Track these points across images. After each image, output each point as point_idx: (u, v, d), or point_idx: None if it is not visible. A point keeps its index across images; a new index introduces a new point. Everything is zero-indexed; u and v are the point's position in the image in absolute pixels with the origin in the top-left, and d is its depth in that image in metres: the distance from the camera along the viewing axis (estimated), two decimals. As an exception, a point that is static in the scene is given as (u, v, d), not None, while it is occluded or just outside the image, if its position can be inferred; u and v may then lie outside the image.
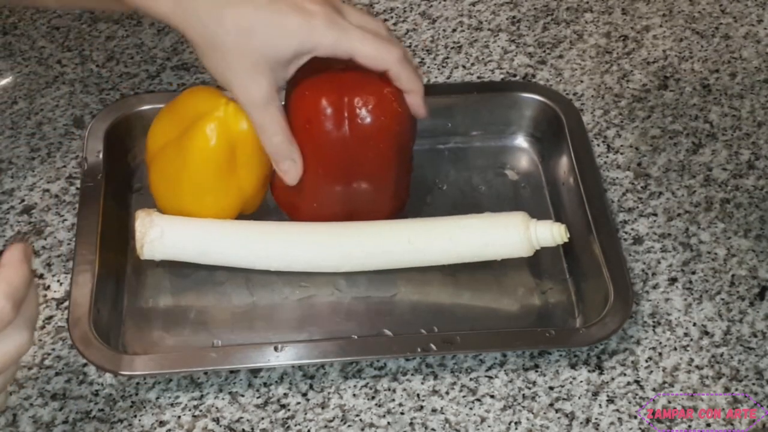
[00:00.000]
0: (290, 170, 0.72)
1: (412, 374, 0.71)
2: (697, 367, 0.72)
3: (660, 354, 0.73)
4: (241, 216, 0.77)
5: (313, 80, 0.72)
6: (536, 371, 0.72)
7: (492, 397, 0.70)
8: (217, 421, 0.69)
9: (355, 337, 0.72)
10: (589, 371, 0.72)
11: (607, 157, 0.86)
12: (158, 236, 0.73)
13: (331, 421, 0.69)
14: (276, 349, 0.69)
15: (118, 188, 0.80)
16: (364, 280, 0.76)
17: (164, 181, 0.75)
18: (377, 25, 0.72)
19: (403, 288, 0.76)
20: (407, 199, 0.78)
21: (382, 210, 0.77)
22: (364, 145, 0.72)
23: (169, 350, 0.72)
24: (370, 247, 0.75)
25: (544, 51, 0.94)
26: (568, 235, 0.74)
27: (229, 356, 0.69)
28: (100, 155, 0.79)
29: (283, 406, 0.70)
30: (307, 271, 0.76)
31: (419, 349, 0.70)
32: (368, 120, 0.71)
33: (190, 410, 0.69)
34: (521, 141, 0.86)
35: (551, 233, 0.74)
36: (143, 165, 0.79)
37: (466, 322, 0.75)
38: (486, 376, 0.71)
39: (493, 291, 0.77)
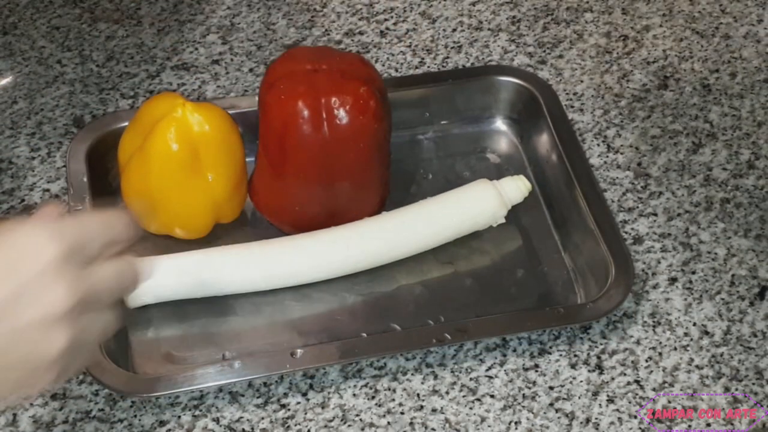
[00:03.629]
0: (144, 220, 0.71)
1: (412, 374, 0.71)
2: (697, 367, 0.72)
3: (660, 354, 0.73)
4: (220, 225, 0.77)
5: (288, 83, 0.72)
6: (536, 371, 0.72)
7: (492, 396, 0.70)
8: (217, 421, 0.69)
9: (365, 335, 0.72)
10: (589, 371, 0.72)
11: (607, 157, 0.86)
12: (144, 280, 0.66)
13: (331, 421, 0.69)
14: (293, 354, 0.69)
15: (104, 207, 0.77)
16: (364, 279, 0.76)
17: (134, 191, 0.74)
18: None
19: (404, 281, 0.76)
20: (387, 195, 0.78)
21: (364, 208, 0.77)
22: (343, 146, 0.72)
23: (181, 364, 0.71)
24: (357, 244, 0.74)
25: (544, 51, 0.94)
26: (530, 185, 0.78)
27: (245, 368, 0.68)
28: (85, 178, 0.77)
29: (283, 406, 0.70)
30: (306, 282, 0.75)
31: (434, 340, 0.69)
32: (346, 120, 0.71)
33: (190, 410, 0.69)
34: (499, 124, 0.87)
35: (517, 186, 0.77)
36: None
37: (471, 309, 0.75)
38: (486, 376, 0.71)
39: (491, 275, 0.77)
